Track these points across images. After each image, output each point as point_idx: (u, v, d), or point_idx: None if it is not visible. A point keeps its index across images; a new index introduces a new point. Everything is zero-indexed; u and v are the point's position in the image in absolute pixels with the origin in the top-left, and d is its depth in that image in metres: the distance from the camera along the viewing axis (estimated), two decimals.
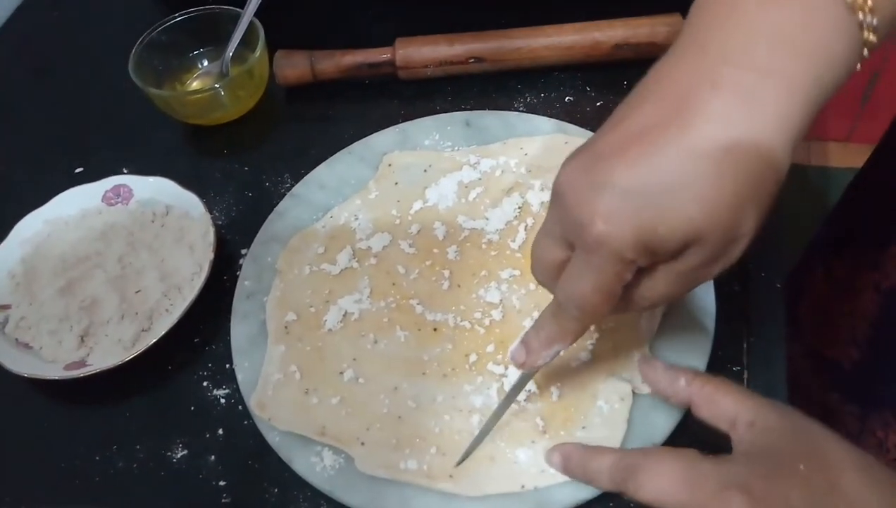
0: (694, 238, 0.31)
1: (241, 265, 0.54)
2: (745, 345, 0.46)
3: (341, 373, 0.47)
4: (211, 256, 0.52)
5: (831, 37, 0.30)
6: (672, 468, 0.34)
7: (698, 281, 0.34)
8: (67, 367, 0.49)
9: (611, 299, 0.34)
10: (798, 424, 0.36)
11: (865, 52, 0.31)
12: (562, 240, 0.34)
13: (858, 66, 0.32)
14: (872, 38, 0.31)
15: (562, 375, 0.44)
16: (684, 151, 0.30)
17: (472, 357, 0.46)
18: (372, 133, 0.59)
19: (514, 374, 0.44)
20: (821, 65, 0.30)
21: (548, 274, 0.36)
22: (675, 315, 0.46)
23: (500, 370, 0.45)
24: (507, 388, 0.44)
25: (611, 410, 0.43)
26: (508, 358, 0.43)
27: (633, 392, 0.43)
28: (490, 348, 0.46)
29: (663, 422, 0.42)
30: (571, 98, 0.61)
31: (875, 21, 0.30)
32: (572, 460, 0.39)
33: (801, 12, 0.30)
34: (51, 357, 0.50)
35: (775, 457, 0.34)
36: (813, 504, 0.32)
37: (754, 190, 0.30)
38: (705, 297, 0.47)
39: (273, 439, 0.45)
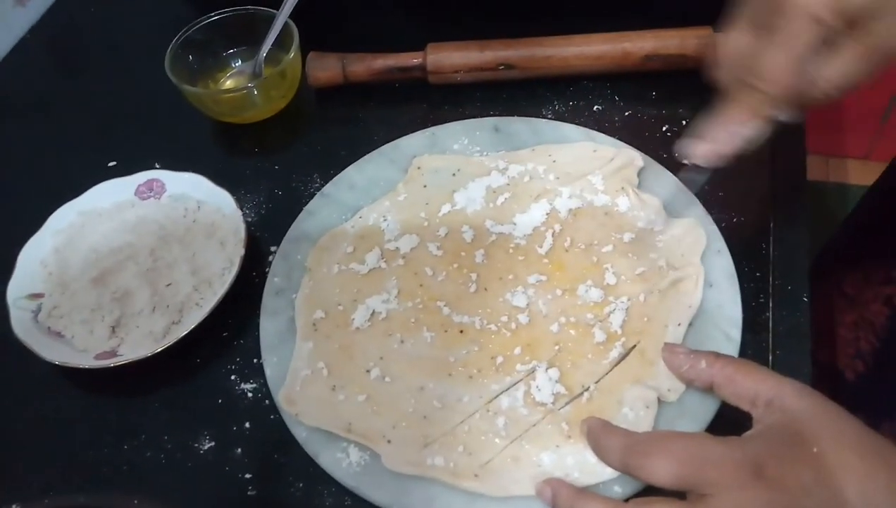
0: None
1: (269, 262, 0.54)
2: (770, 358, 0.46)
3: (368, 371, 0.47)
4: (242, 252, 0.52)
5: None
6: (683, 450, 0.35)
7: (887, 54, 0.35)
8: (98, 356, 0.50)
9: (798, 67, 0.35)
10: (816, 405, 0.36)
11: None
12: (750, 28, 0.36)
13: None
14: None
15: (591, 377, 0.45)
16: None
17: (499, 359, 0.46)
18: (400, 136, 0.60)
19: (541, 375, 0.45)
20: None
21: (734, 66, 0.37)
22: (701, 325, 0.47)
23: (528, 368, 0.46)
24: (533, 392, 0.44)
25: (636, 417, 0.43)
26: (682, 152, 0.42)
27: (659, 400, 0.43)
28: (517, 350, 0.47)
29: (688, 430, 0.42)
30: (600, 107, 0.61)
31: None
32: (591, 431, 0.41)
33: None
34: (82, 346, 0.51)
35: (790, 437, 0.35)
36: (824, 485, 0.33)
37: None
38: (732, 308, 0.47)
39: (300, 434, 0.45)
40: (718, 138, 0.40)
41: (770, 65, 0.36)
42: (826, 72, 0.36)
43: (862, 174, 1.66)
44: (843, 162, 1.69)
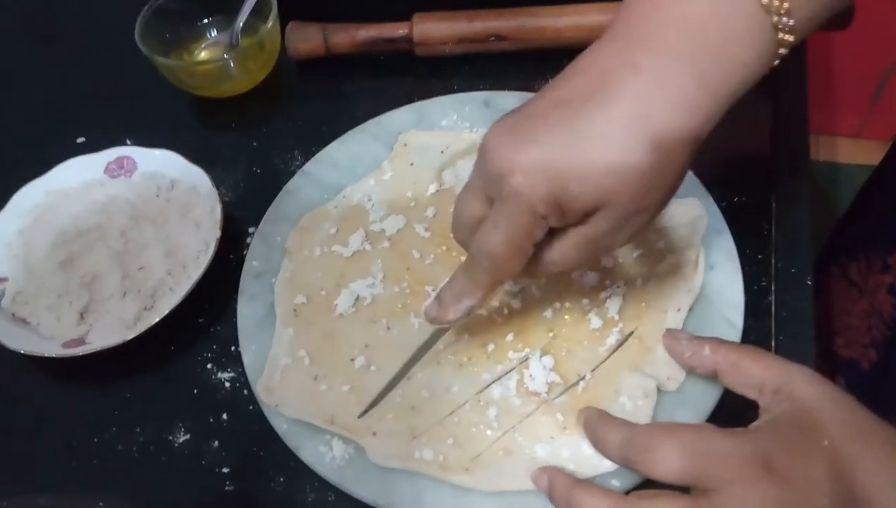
0: (602, 202, 0.33)
1: (248, 244, 0.52)
2: (773, 343, 0.45)
3: (352, 360, 0.45)
4: (218, 233, 0.49)
5: (744, 33, 0.33)
6: (687, 443, 0.33)
7: (604, 249, 0.37)
8: (66, 344, 0.48)
9: (520, 254, 0.36)
10: (825, 394, 0.35)
11: (782, 50, 0.34)
12: (482, 196, 0.36)
13: (776, 61, 0.34)
14: (788, 38, 0.33)
15: (587, 365, 0.43)
16: (601, 121, 0.33)
17: (490, 347, 0.44)
18: (386, 111, 0.57)
19: (535, 363, 0.43)
20: (732, 58, 0.33)
21: (466, 230, 0.38)
22: (701, 310, 0.45)
23: (521, 355, 0.43)
24: (526, 381, 0.42)
25: (634, 407, 0.41)
26: (423, 313, 0.43)
27: (658, 389, 0.41)
28: (509, 337, 0.44)
29: (688, 420, 0.41)
30: None
31: (791, 22, 0.32)
32: (589, 422, 0.39)
33: (716, 7, 0.33)
34: (49, 334, 0.48)
35: (800, 428, 0.33)
36: (836, 479, 0.32)
37: (660, 166, 0.33)
38: (733, 292, 0.45)
39: (280, 426, 0.43)
40: (445, 304, 0.40)
41: (492, 247, 0.36)
42: (549, 255, 0.37)
43: (853, 153, 1.65)
44: (834, 140, 1.68)
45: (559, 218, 0.34)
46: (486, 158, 0.35)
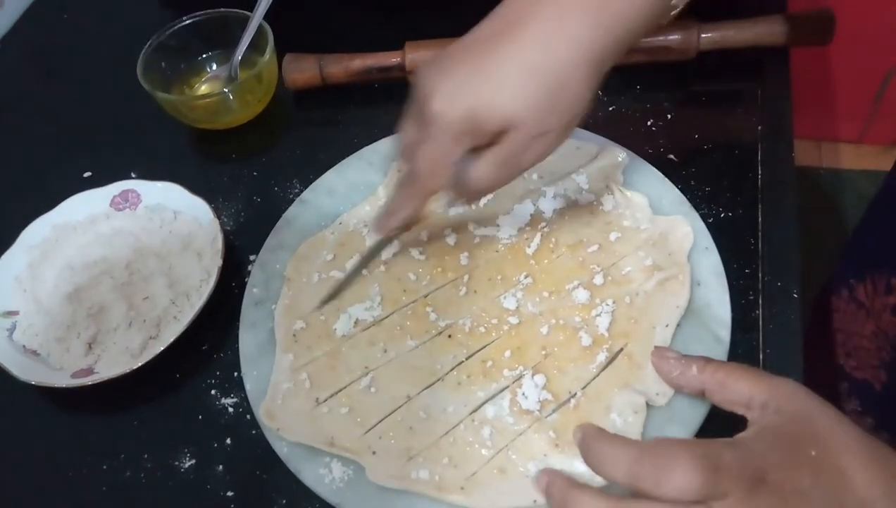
0: (507, 125, 0.39)
1: (249, 272, 0.53)
2: (761, 356, 0.45)
3: (355, 382, 0.46)
4: (219, 262, 0.51)
5: None
6: (692, 461, 0.33)
7: (517, 166, 0.41)
8: (75, 375, 0.49)
9: (441, 169, 0.41)
10: (812, 406, 0.35)
11: (675, 1, 0.40)
12: (416, 122, 0.42)
13: (673, 12, 0.41)
14: None
15: (577, 383, 0.44)
16: (507, 57, 0.39)
17: (489, 363, 0.45)
18: (381, 138, 0.59)
19: (528, 382, 0.44)
20: (626, 4, 0.39)
21: (406, 151, 0.43)
22: (689, 325, 0.46)
23: (515, 373, 0.44)
24: (519, 400, 0.43)
25: (624, 423, 0.42)
26: (372, 228, 0.49)
27: (648, 405, 0.42)
28: (507, 353, 0.45)
29: (678, 435, 0.41)
30: None
31: None
32: (587, 439, 0.37)
33: None
34: (58, 365, 0.50)
35: (787, 442, 0.34)
36: (823, 488, 0.33)
37: (557, 96, 0.39)
38: (720, 307, 0.46)
39: (281, 449, 0.44)
40: (388, 214, 0.46)
41: (421, 162, 0.42)
42: (471, 173, 0.41)
43: (855, 159, 1.65)
44: (836, 147, 1.68)
45: (474, 138, 0.40)
46: (417, 88, 0.41)
